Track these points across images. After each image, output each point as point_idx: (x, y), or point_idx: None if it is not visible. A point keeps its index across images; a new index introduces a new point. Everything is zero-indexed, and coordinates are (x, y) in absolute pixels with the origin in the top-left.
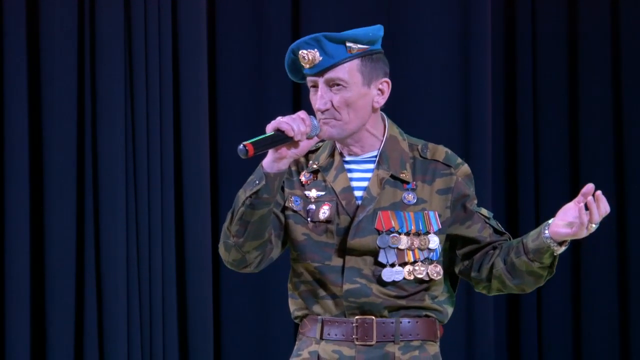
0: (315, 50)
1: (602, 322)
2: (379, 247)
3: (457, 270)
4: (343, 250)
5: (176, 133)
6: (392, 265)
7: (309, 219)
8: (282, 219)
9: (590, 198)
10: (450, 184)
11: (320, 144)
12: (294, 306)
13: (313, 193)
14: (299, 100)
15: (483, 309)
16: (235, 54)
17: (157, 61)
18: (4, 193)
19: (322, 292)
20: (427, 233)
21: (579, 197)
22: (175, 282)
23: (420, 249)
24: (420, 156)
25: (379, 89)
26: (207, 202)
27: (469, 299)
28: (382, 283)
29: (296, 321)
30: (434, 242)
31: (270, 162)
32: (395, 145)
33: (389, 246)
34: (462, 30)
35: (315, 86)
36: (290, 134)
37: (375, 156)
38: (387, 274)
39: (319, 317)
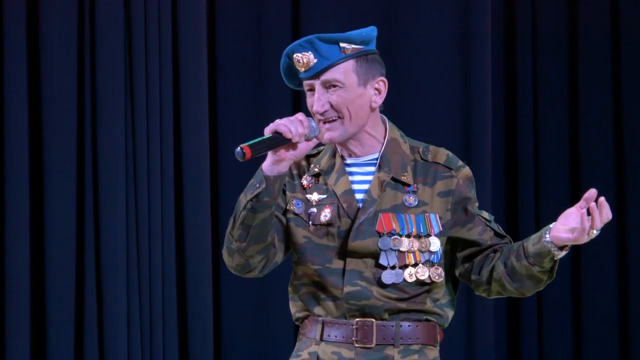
0: (310, 52)
1: (602, 323)
2: (380, 250)
3: (457, 272)
4: (344, 253)
5: (176, 133)
6: (393, 268)
7: (310, 222)
8: (284, 222)
9: (593, 204)
10: (451, 186)
11: (322, 147)
12: (295, 308)
13: (314, 196)
14: (298, 101)
15: (483, 310)
16: (235, 54)
17: (157, 61)
18: (4, 193)
19: (322, 295)
20: (428, 235)
21: (581, 202)
22: (175, 282)
23: (421, 252)
24: (421, 159)
25: (376, 89)
26: (207, 202)
27: (469, 300)
28: (383, 285)
29: (297, 323)
30: (435, 244)
31: (270, 164)
32: (396, 148)
33: (390, 248)
34: (462, 30)
35: (312, 90)
36: (288, 135)
37: (376, 159)
38: (387, 277)
39: (320, 318)
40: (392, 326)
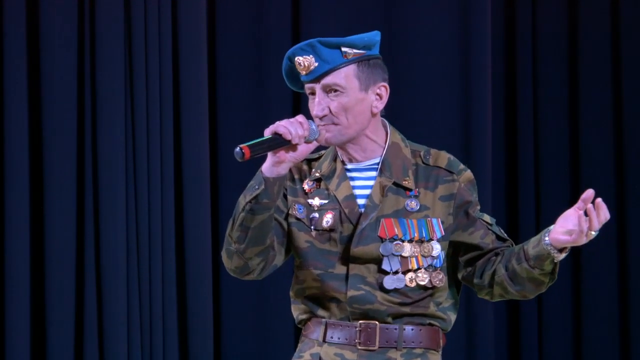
0: (311, 56)
1: (603, 324)
2: (383, 255)
3: (460, 276)
4: (346, 258)
5: (176, 133)
6: (396, 273)
7: (312, 227)
8: (285, 226)
9: (590, 206)
10: (452, 190)
11: (323, 151)
12: (297, 311)
13: (316, 201)
14: (298, 101)
15: (483, 311)
16: (235, 54)
17: (157, 61)
18: (4, 193)
19: (325, 298)
20: (430, 240)
21: (579, 204)
22: (175, 282)
23: (424, 256)
24: (423, 162)
25: (377, 94)
26: (207, 202)
27: (469, 301)
28: (386, 290)
29: (299, 326)
30: (437, 249)
31: (269, 166)
32: (397, 152)
33: (393, 254)
34: (462, 30)
35: (313, 93)
36: (288, 137)
37: (377, 163)
38: (389, 282)
39: (323, 319)
40: (396, 329)
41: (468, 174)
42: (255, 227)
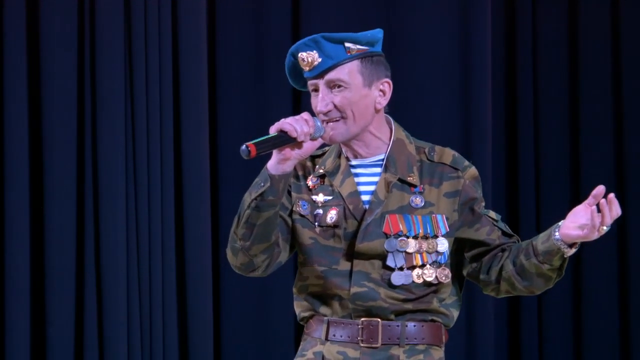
0: (314, 51)
1: (603, 323)
2: (387, 251)
3: (465, 272)
4: (351, 255)
5: (176, 133)
6: (401, 269)
7: (316, 224)
8: (290, 222)
9: (603, 200)
10: (457, 187)
11: (327, 148)
12: (300, 308)
13: (320, 197)
14: (299, 101)
15: (483, 310)
16: (235, 54)
17: (157, 61)
18: (4, 193)
19: (328, 295)
20: (435, 236)
21: (590, 200)
22: (175, 282)
23: (429, 252)
24: (427, 159)
25: (380, 90)
26: (207, 202)
27: (470, 300)
28: (391, 286)
29: (302, 323)
30: (442, 245)
31: (275, 163)
32: (402, 149)
33: (397, 250)
34: (462, 30)
35: (316, 90)
36: (294, 134)
37: (382, 160)
38: (397, 278)
39: (325, 317)
40: (398, 326)
41: (473, 170)
42: (261, 224)
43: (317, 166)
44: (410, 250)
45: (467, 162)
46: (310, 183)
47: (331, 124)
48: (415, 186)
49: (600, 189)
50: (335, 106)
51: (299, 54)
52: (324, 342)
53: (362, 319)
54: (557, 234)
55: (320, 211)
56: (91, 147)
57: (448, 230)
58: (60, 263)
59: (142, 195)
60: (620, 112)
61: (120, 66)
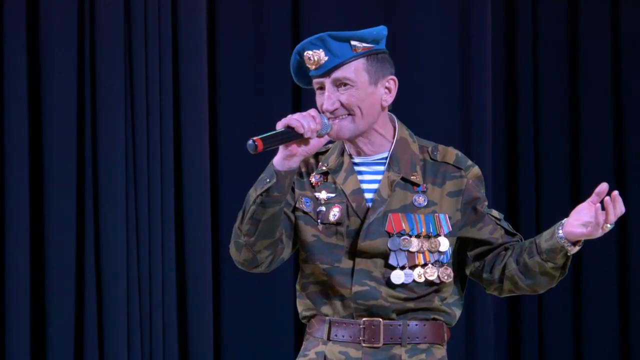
0: (321, 50)
1: (603, 323)
2: (390, 250)
3: (468, 272)
4: (353, 253)
5: (176, 133)
6: (403, 268)
7: (318, 221)
8: (293, 219)
9: (607, 198)
10: (461, 186)
11: (330, 145)
12: (302, 307)
13: (323, 195)
14: (299, 101)
15: (483, 309)
16: (235, 54)
17: (157, 61)
18: (4, 193)
19: (330, 294)
20: (438, 235)
21: (593, 197)
22: (175, 282)
23: (431, 252)
24: (431, 158)
25: (386, 87)
26: (207, 202)
27: (470, 299)
28: (392, 285)
29: (304, 321)
30: (445, 244)
31: (281, 159)
32: (405, 147)
33: (400, 249)
34: (462, 30)
35: (322, 88)
36: (301, 130)
37: (385, 158)
38: (397, 277)
39: (327, 317)
40: (400, 325)
41: (476, 170)
42: (266, 220)
43: (320, 163)
44: (412, 249)
45: (470, 162)
46: (313, 180)
47: (338, 120)
48: (418, 185)
49: (604, 186)
50: (342, 104)
51: (305, 53)
52: (325, 342)
53: (364, 318)
54: (560, 231)
55: (323, 208)
56: (91, 147)
57: (450, 229)
58: (60, 263)
59: (142, 195)
60: (620, 112)
61: (120, 66)
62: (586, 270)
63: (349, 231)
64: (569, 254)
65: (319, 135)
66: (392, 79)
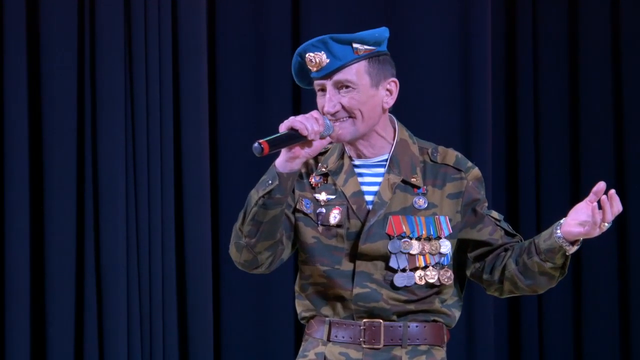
0: (322, 52)
1: (603, 323)
2: (391, 253)
3: (468, 273)
4: (354, 255)
5: (176, 133)
6: (404, 270)
7: (319, 223)
8: (293, 220)
9: (604, 197)
10: (461, 188)
11: (330, 146)
12: (301, 307)
13: (322, 196)
14: (299, 101)
15: (483, 310)
16: (235, 54)
17: (157, 61)
18: (4, 193)
19: (330, 295)
20: (438, 238)
21: (591, 196)
22: (175, 282)
23: (432, 254)
24: (431, 160)
25: (387, 90)
26: (207, 202)
27: (470, 299)
28: (393, 288)
29: (302, 322)
30: (445, 246)
31: (284, 161)
32: (405, 149)
33: (401, 251)
34: (462, 30)
35: (323, 90)
36: (305, 133)
37: (385, 160)
38: (399, 279)
39: (327, 318)
40: (400, 327)
41: (476, 171)
42: (267, 222)
43: (319, 164)
44: (413, 251)
45: (470, 163)
46: (312, 181)
47: (339, 123)
48: (418, 187)
49: (601, 185)
50: (343, 107)
51: (307, 55)
52: (325, 343)
53: (364, 320)
54: (558, 231)
55: (323, 210)
56: (91, 147)
57: (451, 231)
58: (60, 263)
59: (142, 195)
60: (620, 112)
61: (120, 66)
62: (586, 271)
63: (349, 233)
64: (567, 254)
65: (322, 137)
66: (393, 81)
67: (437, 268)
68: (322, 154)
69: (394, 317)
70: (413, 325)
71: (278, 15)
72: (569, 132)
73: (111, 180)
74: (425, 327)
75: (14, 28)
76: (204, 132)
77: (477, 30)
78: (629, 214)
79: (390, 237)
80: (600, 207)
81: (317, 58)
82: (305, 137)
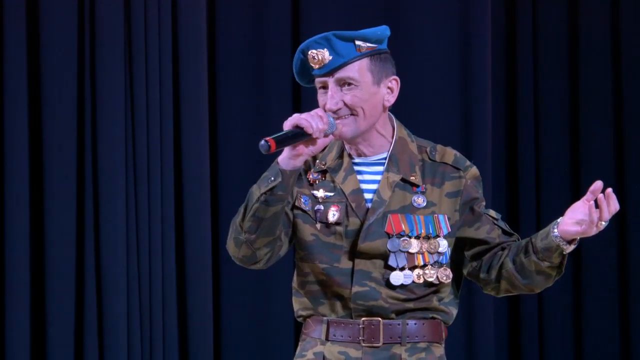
0: (325, 49)
1: (603, 323)
2: (390, 251)
3: (465, 271)
4: (352, 253)
5: (176, 133)
6: (402, 269)
7: (317, 220)
8: (291, 216)
9: (600, 196)
10: (459, 187)
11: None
12: (298, 305)
13: (320, 193)
14: (299, 101)
15: (483, 309)
16: (235, 54)
17: (157, 61)
18: (4, 193)
19: (328, 293)
20: (437, 236)
21: (588, 195)
22: (175, 282)
23: (430, 253)
24: (429, 159)
25: (389, 87)
26: (207, 202)
27: (470, 299)
28: (392, 286)
29: (299, 320)
30: (444, 245)
31: (287, 159)
32: (404, 148)
33: (400, 250)
34: (462, 30)
35: (324, 87)
36: (309, 130)
37: (384, 158)
38: (396, 278)
39: (325, 317)
40: (399, 324)
41: (474, 170)
42: (268, 219)
43: (317, 161)
44: (412, 250)
45: (468, 162)
46: (310, 177)
47: (341, 120)
48: (417, 186)
49: (598, 184)
50: (345, 104)
51: (309, 52)
52: (324, 342)
53: (363, 318)
54: (555, 230)
55: (321, 207)
56: (91, 147)
57: (450, 230)
58: (60, 263)
59: (142, 195)
60: (620, 112)
61: (120, 66)
62: (586, 270)
63: (348, 231)
64: (564, 253)
65: (325, 135)
66: (394, 79)
67: (436, 267)
68: (320, 150)
69: (393, 316)
70: (412, 322)
71: (278, 15)
72: (569, 132)
73: (111, 180)
74: (423, 324)
75: (14, 28)
76: (204, 132)
77: (477, 30)
78: (628, 214)
79: (389, 236)
80: (597, 206)
81: (319, 55)
82: (310, 135)
